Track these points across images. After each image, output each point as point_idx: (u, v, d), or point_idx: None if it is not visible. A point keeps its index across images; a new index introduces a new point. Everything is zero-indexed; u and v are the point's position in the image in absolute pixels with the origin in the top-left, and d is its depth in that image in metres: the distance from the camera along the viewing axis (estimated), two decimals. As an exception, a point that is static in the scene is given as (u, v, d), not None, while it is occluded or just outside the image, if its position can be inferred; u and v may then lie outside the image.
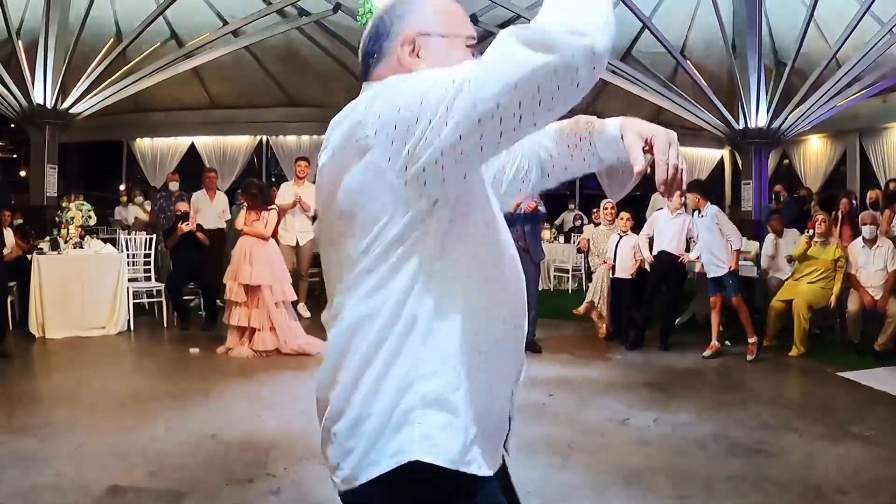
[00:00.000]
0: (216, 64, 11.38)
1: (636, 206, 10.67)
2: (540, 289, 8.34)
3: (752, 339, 7.09)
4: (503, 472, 1.56)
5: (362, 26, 8.37)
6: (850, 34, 10.33)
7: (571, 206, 14.05)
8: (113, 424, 4.73)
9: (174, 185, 10.01)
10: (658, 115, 12.93)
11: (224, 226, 9.08)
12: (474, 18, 10.84)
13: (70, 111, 10.56)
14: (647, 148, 1.52)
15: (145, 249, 8.70)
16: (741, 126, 11.73)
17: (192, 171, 12.38)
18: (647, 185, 11.28)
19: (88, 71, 10.68)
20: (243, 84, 12.95)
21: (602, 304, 7.88)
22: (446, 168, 1.27)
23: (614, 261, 7.75)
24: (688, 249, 7.52)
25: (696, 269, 7.60)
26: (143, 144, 14.22)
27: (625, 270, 7.70)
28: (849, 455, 4.60)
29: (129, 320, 7.77)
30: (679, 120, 11.94)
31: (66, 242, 7.75)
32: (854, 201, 9.44)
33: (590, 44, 1.20)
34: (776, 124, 11.62)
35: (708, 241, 7.12)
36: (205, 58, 10.91)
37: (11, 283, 7.37)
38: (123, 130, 13.88)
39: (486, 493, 1.43)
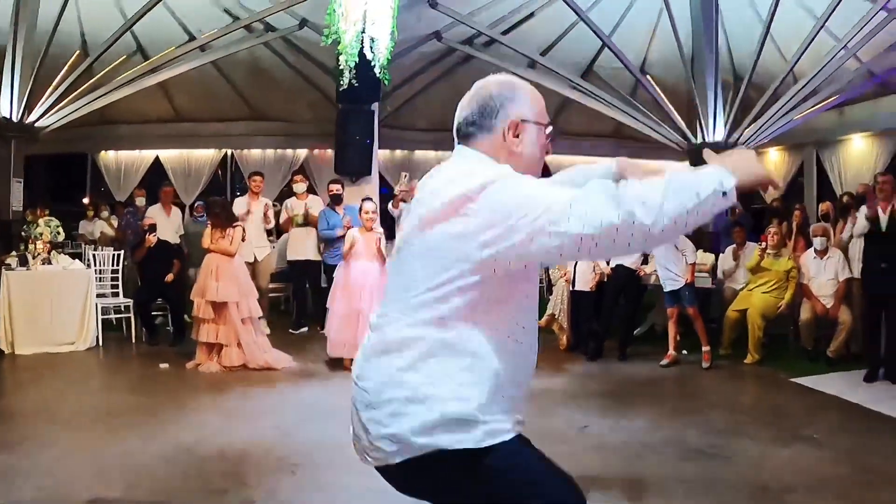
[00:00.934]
0: (182, 77, 11.37)
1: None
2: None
3: (706, 348, 7.38)
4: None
5: (327, 43, 8.55)
6: (806, 49, 10.63)
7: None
8: (89, 439, 4.82)
9: (141, 201, 10.03)
10: (619, 130, 13.27)
11: (179, 241, 9.15)
12: (438, 35, 11.09)
13: (36, 125, 10.53)
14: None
15: (112, 265, 8.73)
16: (699, 140, 12.02)
17: (157, 183, 12.34)
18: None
19: (55, 84, 10.65)
20: (209, 97, 12.95)
21: (563, 316, 8.12)
22: (513, 263, 1.76)
23: (574, 274, 7.98)
24: (646, 262, 7.79)
25: (652, 281, 7.86)
26: (108, 157, 14.11)
27: (584, 284, 7.93)
28: (797, 457, 4.85)
29: (97, 336, 7.81)
30: (639, 134, 12.23)
31: (33, 258, 7.75)
32: (811, 212, 9.74)
33: (650, 225, 1.64)
34: (733, 138, 11.92)
35: (663, 257, 7.39)
36: (171, 72, 10.92)
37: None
38: (88, 143, 13.74)
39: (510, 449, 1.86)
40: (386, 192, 9.87)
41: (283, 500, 3.95)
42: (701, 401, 6.37)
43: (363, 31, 8.37)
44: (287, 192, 10.24)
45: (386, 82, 9.15)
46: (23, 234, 8.16)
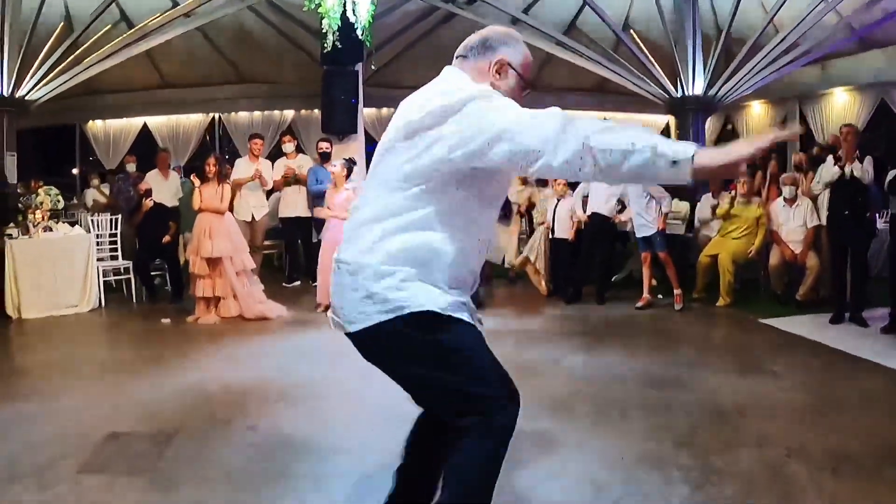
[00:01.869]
0: (167, 44, 11.45)
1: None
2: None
3: (677, 291, 7.79)
4: None
5: (310, 8, 8.74)
6: (786, 2, 10.81)
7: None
8: (101, 386, 5.22)
9: (131, 167, 10.26)
10: (602, 85, 13.49)
11: (177, 203, 9.41)
12: None
13: (26, 98, 10.68)
14: None
15: (110, 229, 9.01)
16: (679, 94, 12.27)
17: (146, 151, 12.49)
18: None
19: (42, 57, 10.77)
20: (194, 63, 13.04)
21: (539, 260, 8.51)
22: (478, 165, 2.16)
23: (553, 222, 8.35)
24: (622, 210, 8.17)
25: (628, 228, 8.23)
26: (96, 127, 14.23)
27: (563, 231, 8.32)
28: (755, 386, 5.25)
29: (100, 298, 8.13)
30: (622, 89, 12.48)
31: (35, 227, 8.00)
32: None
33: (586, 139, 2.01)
34: (713, 91, 12.16)
35: (638, 205, 7.75)
36: (156, 40, 11.03)
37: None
38: (75, 114, 13.78)
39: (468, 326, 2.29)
40: (372, 150, 10.12)
41: (283, 426, 4.36)
42: (670, 339, 6.78)
43: (345, -6, 8.58)
44: (275, 154, 10.47)
45: (368, 44, 9.37)
46: (20, 205, 8.33)
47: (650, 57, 12.10)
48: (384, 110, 13.28)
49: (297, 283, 9.28)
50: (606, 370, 5.50)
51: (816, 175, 7.76)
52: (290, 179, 8.87)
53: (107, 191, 11.02)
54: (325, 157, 8.74)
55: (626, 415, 4.34)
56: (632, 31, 12.53)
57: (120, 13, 11.94)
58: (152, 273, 8.71)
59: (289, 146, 9.31)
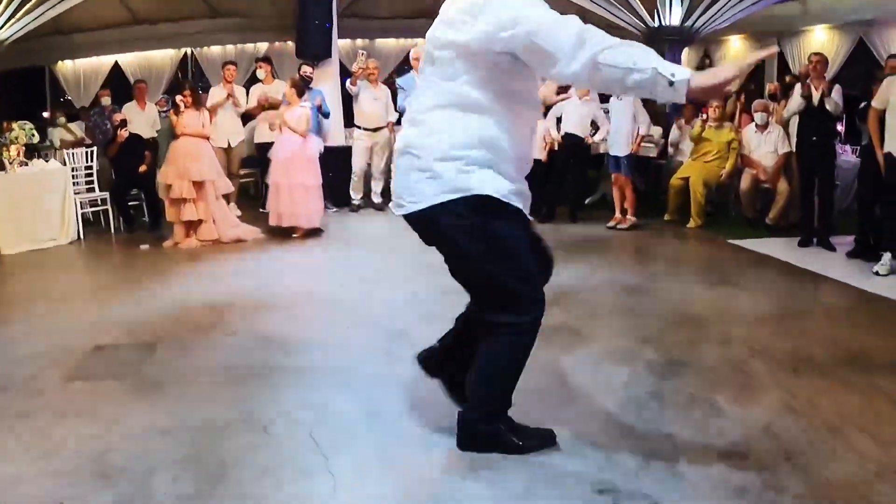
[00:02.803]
0: (136, -22, 11.31)
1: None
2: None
3: (630, 217, 7.99)
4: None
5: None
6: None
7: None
8: (86, 306, 5.33)
9: (106, 100, 10.15)
10: (581, 15, 13.37)
11: (156, 135, 9.36)
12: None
13: (-6, 39, 10.45)
14: None
15: (86, 162, 8.97)
16: (656, 24, 12.26)
17: (119, 90, 12.33)
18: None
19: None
20: (164, -2, 12.87)
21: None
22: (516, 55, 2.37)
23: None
24: (595, 132, 8.30)
25: (601, 150, 8.34)
26: (66, 67, 13.96)
27: (536, 152, 8.42)
28: (719, 296, 5.47)
29: (78, 230, 8.12)
30: (599, 19, 12.43)
31: (10, 163, 7.92)
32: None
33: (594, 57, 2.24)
34: (690, 22, 12.15)
35: (619, 123, 7.86)
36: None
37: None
38: (44, 55, 13.55)
39: (522, 218, 2.60)
40: (345, 79, 10.05)
41: (261, 330, 4.55)
42: (641, 254, 7.02)
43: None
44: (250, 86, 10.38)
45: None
46: (-6, 143, 8.20)
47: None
48: (359, 41, 13.17)
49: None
50: (578, 279, 5.66)
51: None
52: (266, 105, 8.82)
53: (75, 129, 10.84)
54: (306, 82, 8.71)
55: (595, 315, 4.54)
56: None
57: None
58: (129, 203, 8.71)
59: (262, 72, 9.25)
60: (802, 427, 3.26)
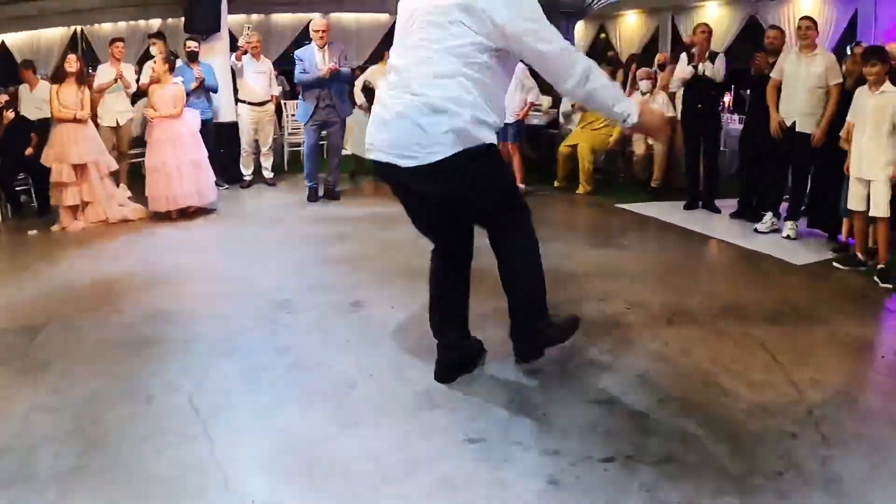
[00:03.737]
0: (20, -50, 10.86)
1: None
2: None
3: (518, 183, 8.03)
4: None
5: None
6: None
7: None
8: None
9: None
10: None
11: (48, 115, 9.01)
12: None
13: None
14: None
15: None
16: (553, -2, 12.49)
17: (6, 70, 11.84)
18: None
19: None
20: (53, -28, 12.38)
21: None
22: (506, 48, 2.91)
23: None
24: None
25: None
26: (-52, 47, 13.36)
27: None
28: (602, 256, 5.72)
29: (-37, 216, 7.81)
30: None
31: None
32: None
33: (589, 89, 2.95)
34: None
35: (509, 93, 7.98)
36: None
37: None
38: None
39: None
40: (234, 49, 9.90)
41: (148, 307, 4.52)
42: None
43: None
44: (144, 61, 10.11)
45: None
46: None
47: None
48: (254, 16, 12.96)
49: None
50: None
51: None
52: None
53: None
54: (192, 57, 8.53)
55: (475, 277, 4.65)
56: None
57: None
58: (17, 189, 8.40)
59: (156, 49, 9.01)
60: (676, 374, 3.49)
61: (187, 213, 7.36)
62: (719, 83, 7.35)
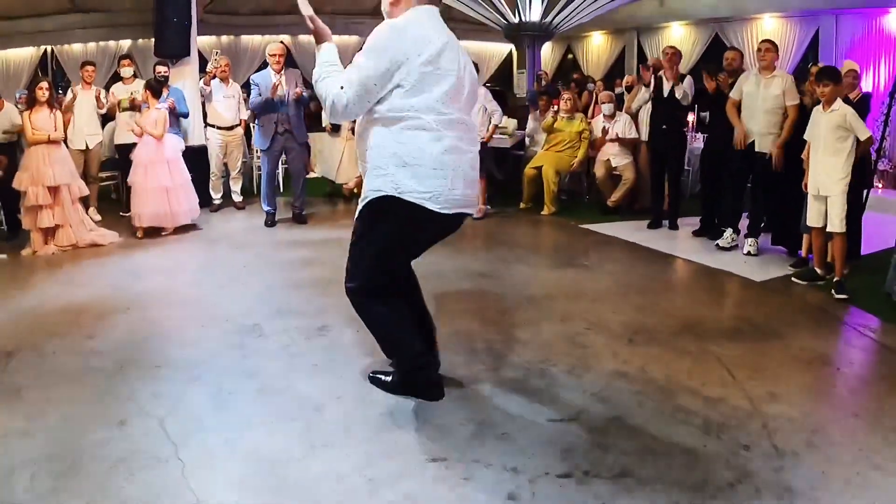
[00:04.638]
0: (-11, -30, 10.84)
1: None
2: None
3: (481, 205, 8.26)
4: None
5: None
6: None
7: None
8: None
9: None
10: (446, 12, 13.69)
11: (15, 137, 8.99)
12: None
13: None
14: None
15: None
16: (517, 20, 12.71)
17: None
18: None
19: None
20: (22, -9, 12.35)
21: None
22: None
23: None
24: None
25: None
26: (-88, 66, 13.24)
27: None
28: (565, 277, 5.86)
29: (-71, 241, 7.75)
30: (464, 16, 12.79)
31: None
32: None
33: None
34: (549, 19, 12.65)
35: (472, 115, 8.11)
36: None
37: None
38: None
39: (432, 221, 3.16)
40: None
41: (119, 333, 4.58)
42: (493, 241, 7.28)
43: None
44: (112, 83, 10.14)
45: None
46: None
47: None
48: (224, 38, 13.05)
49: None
50: (428, 267, 5.81)
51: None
52: (126, 105, 8.65)
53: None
54: (160, 82, 8.59)
55: (439, 301, 4.76)
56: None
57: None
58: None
59: (127, 70, 9.03)
60: (633, 391, 3.62)
61: (164, 232, 7.47)
62: (685, 104, 7.50)
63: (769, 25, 12.20)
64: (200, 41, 10.00)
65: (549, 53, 15.86)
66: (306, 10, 3.12)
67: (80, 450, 3.05)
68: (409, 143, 3.03)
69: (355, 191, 8.94)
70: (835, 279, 5.41)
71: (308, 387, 3.68)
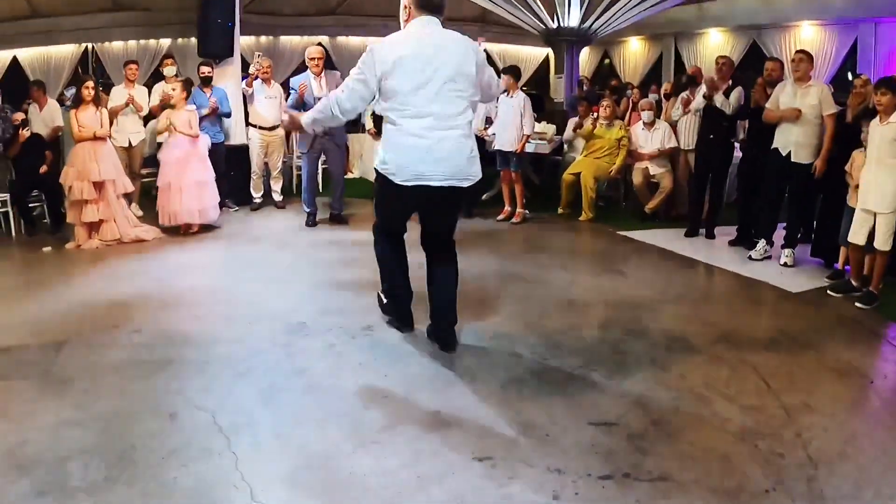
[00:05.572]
0: (34, -31, 11.03)
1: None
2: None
3: (519, 209, 8.34)
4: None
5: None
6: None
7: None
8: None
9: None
10: (484, 16, 13.81)
11: (57, 134, 9.18)
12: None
13: None
14: None
15: (-19, 162, 8.74)
16: (555, 25, 12.70)
17: (18, 87, 11.96)
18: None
19: None
20: (65, -11, 12.55)
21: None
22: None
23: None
24: (488, 124, 8.64)
25: (495, 146, 8.59)
26: (-40, 63, 13.49)
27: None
28: (602, 283, 5.87)
29: (-22, 233, 7.97)
30: (502, 20, 12.83)
31: None
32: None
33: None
34: (588, 24, 12.62)
35: (508, 120, 8.17)
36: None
37: None
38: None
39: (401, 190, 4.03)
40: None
41: (165, 327, 4.69)
42: (532, 246, 7.32)
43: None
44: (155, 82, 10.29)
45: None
46: None
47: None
48: (263, 38, 13.19)
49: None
50: (470, 270, 5.90)
51: (677, 103, 8.26)
52: (168, 104, 8.81)
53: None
54: (206, 82, 8.74)
55: (483, 304, 4.82)
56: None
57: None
58: (30, 205, 8.56)
59: (170, 69, 9.20)
60: (671, 397, 3.64)
61: (193, 232, 7.60)
62: (729, 114, 7.36)
63: (807, 33, 12.09)
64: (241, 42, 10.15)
65: (585, 59, 15.82)
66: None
67: (132, 440, 3.12)
68: (387, 132, 4.03)
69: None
70: (867, 289, 5.34)
71: (354, 385, 3.75)
